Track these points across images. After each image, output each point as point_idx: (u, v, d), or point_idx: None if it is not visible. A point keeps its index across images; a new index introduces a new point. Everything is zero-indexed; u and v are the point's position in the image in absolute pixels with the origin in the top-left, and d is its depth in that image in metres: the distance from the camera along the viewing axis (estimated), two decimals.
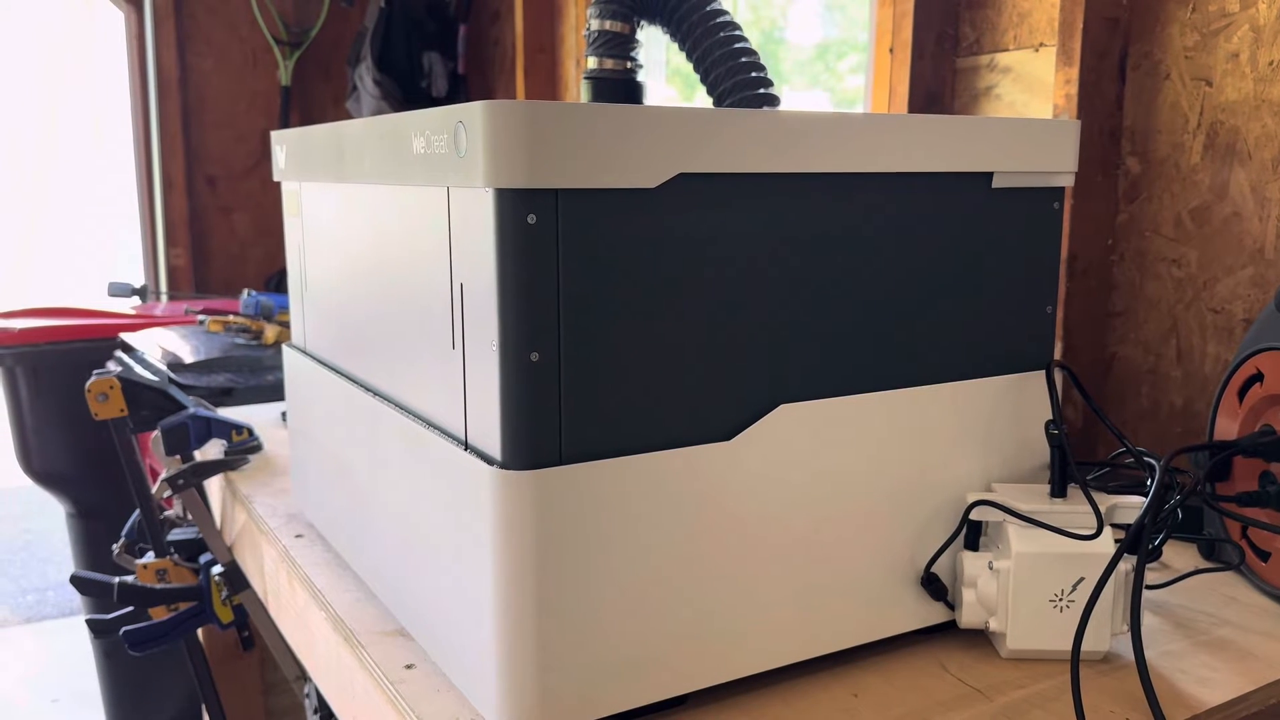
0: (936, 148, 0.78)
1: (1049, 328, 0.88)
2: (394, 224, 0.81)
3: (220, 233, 3.35)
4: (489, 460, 0.67)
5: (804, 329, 0.75)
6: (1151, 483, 0.80)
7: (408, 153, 0.74)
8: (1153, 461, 0.83)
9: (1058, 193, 0.86)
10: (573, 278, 0.66)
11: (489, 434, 0.68)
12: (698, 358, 0.71)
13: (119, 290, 2.76)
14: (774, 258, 0.73)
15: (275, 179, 1.09)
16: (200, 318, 2.16)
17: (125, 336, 2.10)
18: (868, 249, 0.77)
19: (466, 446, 0.71)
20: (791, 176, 0.73)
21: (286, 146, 1.05)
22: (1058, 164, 0.85)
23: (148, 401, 1.39)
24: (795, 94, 2.38)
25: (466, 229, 0.68)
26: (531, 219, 0.64)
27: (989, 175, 0.82)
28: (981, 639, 0.86)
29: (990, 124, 0.81)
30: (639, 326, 0.69)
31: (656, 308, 0.69)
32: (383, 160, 0.79)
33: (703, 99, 1.04)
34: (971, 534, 0.83)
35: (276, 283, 3.36)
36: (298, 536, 1.09)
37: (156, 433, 1.32)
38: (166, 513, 1.47)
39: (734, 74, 1.00)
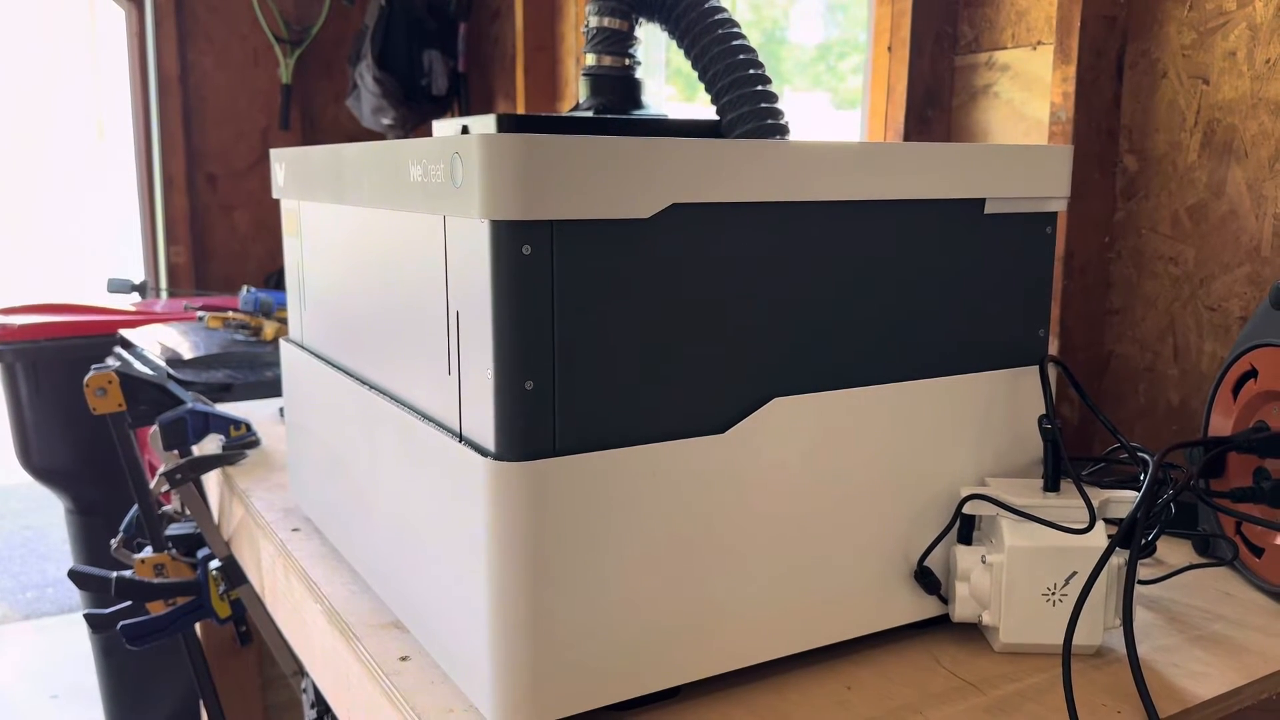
0: (929, 175, 0.79)
1: (1043, 345, 0.89)
2: (392, 248, 0.82)
3: (220, 230, 3.35)
4: (483, 452, 0.68)
5: (797, 332, 0.76)
6: (1145, 478, 0.80)
7: (405, 180, 0.74)
8: (1146, 457, 0.83)
9: (1050, 217, 0.87)
10: (568, 307, 0.66)
11: (483, 426, 0.68)
12: (692, 358, 0.72)
13: (119, 287, 2.77)
14: (768, 278, 0.74)
15: (274, 196, 1.10)
16: (199, 314, 2.16)
17: (125, 333, 2.10)
18: (862, 270, 0.78)
19: (461, 438, 0.71)
20: (784, 205, 0.73)
21: (286, 165, 1.06)
22: (1050, 190, 0.85)
23: (146, 396, 1.40)
24: (797, 94, 2.38)
25: (462, 258, 0.69)
26: (526, 250, 0.64)
27: (981, 201, 0.82)
28: (975, 633, 0.86)
29: (982, 151, 0.81)
30: (634, 344, 0.69)
31: (652, 326, 0.70)
32: (380, 185, 0.80)
33: (704, 99, 1.04)
34: (965, 528, 0.83)
35: (276, 280, 3.36)
36: (294, 530, 1.09)
37: (155, 428, 1.33)
38: (165, 508, 1.47)
39: (731, 71, 1.00)
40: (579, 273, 0.66)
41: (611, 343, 0.68)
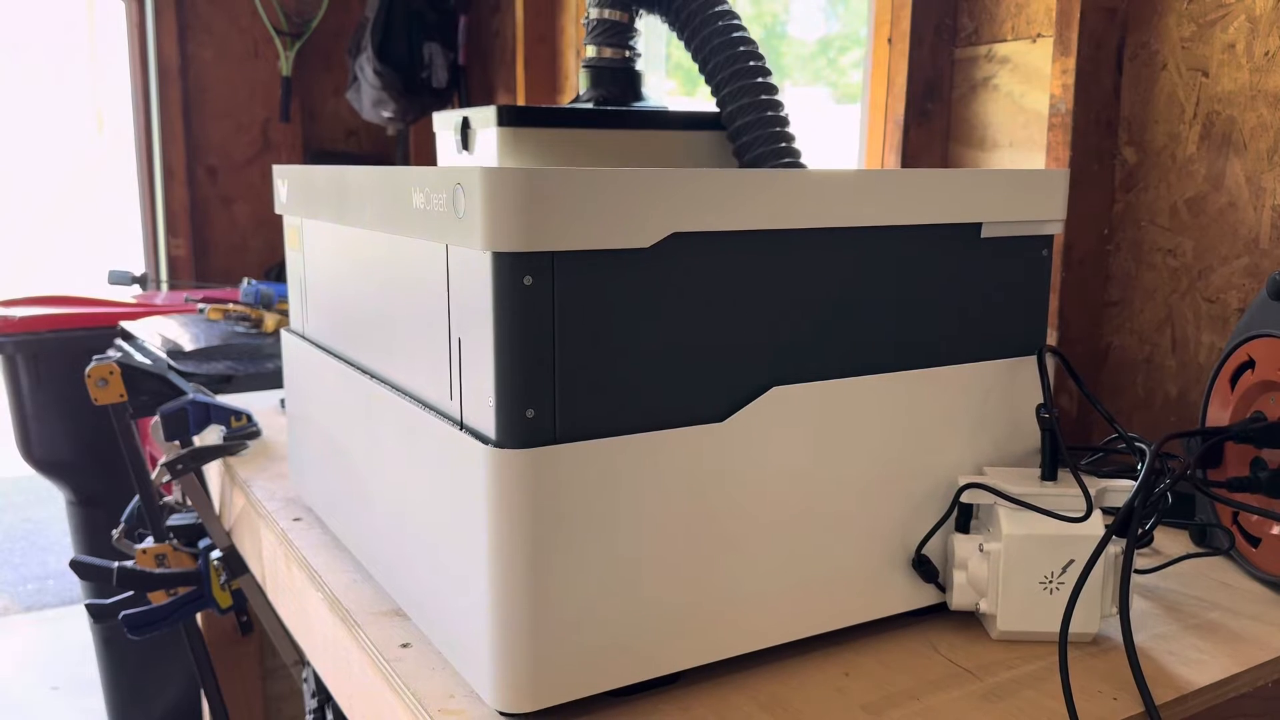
0: (925, 201, 0.79)
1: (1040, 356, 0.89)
2: (394, 271, 0.83)
3: (220, 223, 3.36)
4: (484, 439, 0.68)
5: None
6: (1141, 467, 0.81)
7: (408, 206, 0.75)
8: (1143, 446, 0.83)
9: (1046, 240, 0.87)
10: (569, 336, 0.67)
11: (484, 414, 0.69)
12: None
13: (119, 279, 2.77)
14: (766, 295, 0.75)
15: (277, 211, 1.10)
16: (200, 306, 2.17)
17: (125, 325, 2.11)
18: (861, 286, 0.79)
19: (462, 426, 0.72)
20: (783, 232, 0.74)
21: (289, 182, 1.06)
22: (1046, 213, 0.86)
23: (147, 387, 1.40)
24: (797, 89, 2.39)
25: (464, 286, 0.70)
26: (528, 280, 0.65)
27: (978, 225, 0.83)
28: (972, 620, 0.86)
29: (978, 176, 0.82)
30: (635, 356, 0.70)
31: (653, 341, 0.70)
32: (384, 210, 0.80)
33: (704, 92, 1.04)
34: (962, 516, 0.84)
35: (276, 272, 3.37)
36: (295, 520, 1.10)
37: (156, 419, 1.33)
38: (166, 498, 1.48)
39: (732, 63, 1.00)
40: (580, 302, 0.67)
41: (613, 362, 0.69)
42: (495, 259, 0.65)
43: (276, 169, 1.09)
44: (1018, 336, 0.87)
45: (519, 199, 0.63)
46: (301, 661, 1.40)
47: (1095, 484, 0.82)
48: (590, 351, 0.68)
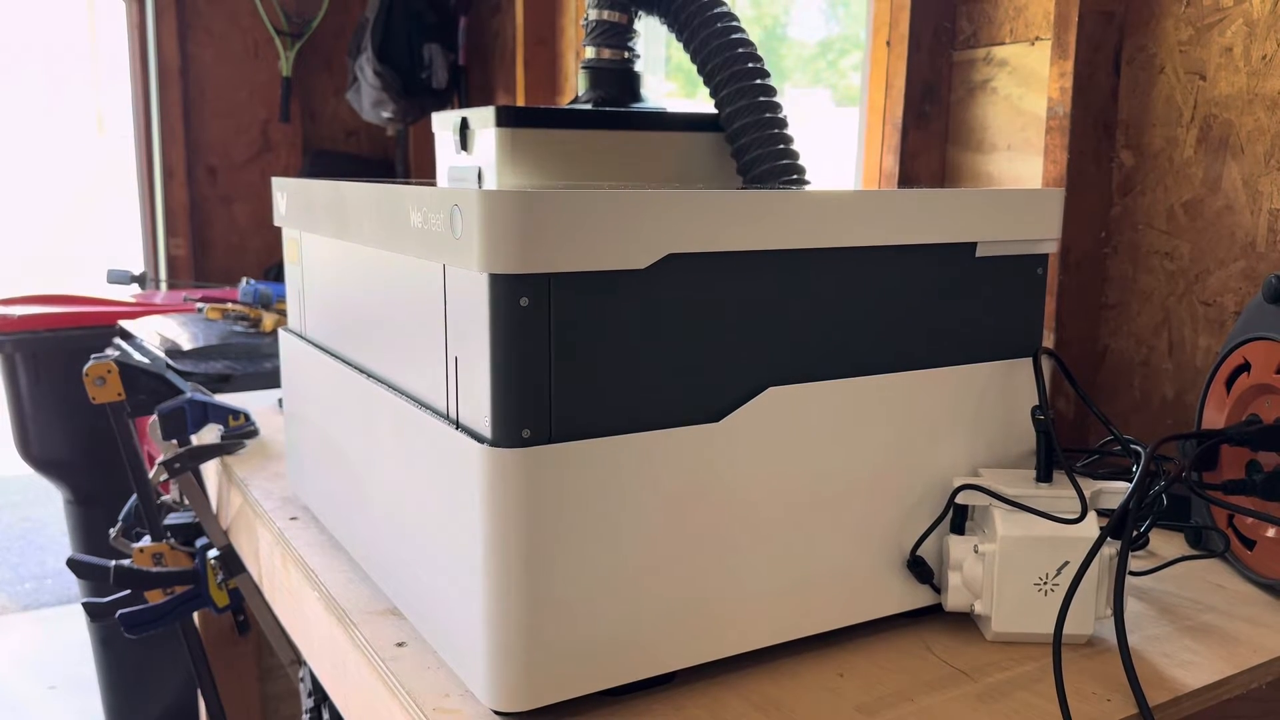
0: (920, 221, 0.80)
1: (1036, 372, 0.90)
2: (392, 288, 0.83)
3: (220, 223, 3.36)
4: (479, 438, 0.68)
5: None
6: (1137, 469, 0.81)
7: (405, 225, 0.75)
8: (1139, 448, 0.84)
9: (1041, 259, 0.88)
10: (565, 358, 0.67)
11: (479, 412, 0.69)
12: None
13: (118, 278, 2.77)
14: (761, 312, 0.75)
15: (276, 223, 1.11)
16: (199, 306, 2.17)
17: (124, 324, 2.11)
18: (855, 305, 0.79)
19: (457, 425, 0.72)
20: (778, 252, 0.74)
21: (287, 195, 1.06)
22: (1041, 232, 0.86)
23: (145, 386, 1.40)
24: (797, 91, 2.39)
25: (461, 306, 0.70)
26: (524, 302, 0.65)
27: (972, 245, 0.83)
28: (967, 622, 0.86)
29: (973, 196, 0.82)
30: (631, 366, 0.70)
31: (649, 352, 0.71)
32: (381, 227, 0.81)
33: (704, 95, 1.05)
34: (957, 518, 0.84)
35: (275, 272, 3.37)
36: (292, 519, 1.10)
37: (154, 417, 1.33)
38: (163, 497, 1.48)
39: (730, 65, 1.00)
40: (577, 323, 0.67)
41: (609, 377, 0.69)
42: (492, 280, 0.65)
43: (275, 181, 1.09)
44: (1014, 344, 0.88)
45: (516, 221, 0.64)
46: (298, 660, 1.40)
47: (1090, 486, 0.82)
48: (587, 371, 0.68)
